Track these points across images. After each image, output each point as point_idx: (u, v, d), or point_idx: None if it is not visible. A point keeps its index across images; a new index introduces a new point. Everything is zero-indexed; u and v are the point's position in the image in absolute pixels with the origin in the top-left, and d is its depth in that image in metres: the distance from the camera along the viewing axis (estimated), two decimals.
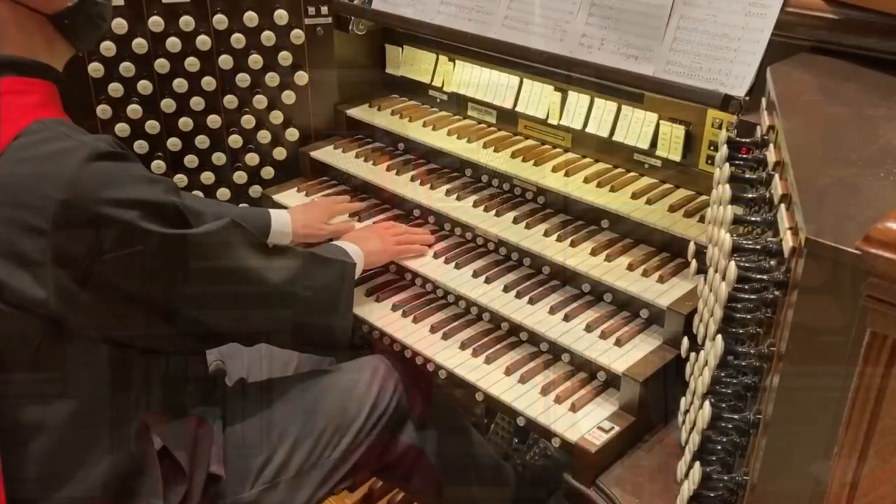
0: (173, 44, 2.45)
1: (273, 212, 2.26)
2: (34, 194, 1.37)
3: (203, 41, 2.48)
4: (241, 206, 2.63)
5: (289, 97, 2.63)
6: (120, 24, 2.40)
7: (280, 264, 1.72)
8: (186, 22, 2.45)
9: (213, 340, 1.76)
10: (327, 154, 2.67)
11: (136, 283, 1.48)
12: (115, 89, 2.46)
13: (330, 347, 1.93)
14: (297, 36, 2.57)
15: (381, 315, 2.16)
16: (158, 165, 2.57)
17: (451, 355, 2.01)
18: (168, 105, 2.53)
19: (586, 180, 2.24)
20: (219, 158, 2.63)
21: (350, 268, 1.96)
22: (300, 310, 1.77)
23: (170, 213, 1.49)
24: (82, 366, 1.51)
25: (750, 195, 1.45)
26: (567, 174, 2.28)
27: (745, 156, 1.55)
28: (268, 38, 2.54)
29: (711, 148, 2.09)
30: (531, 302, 2.06)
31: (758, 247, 1.32)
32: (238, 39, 2.51)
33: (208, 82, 2.53)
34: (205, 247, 1.55)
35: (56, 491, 1.53)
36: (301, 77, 2.62)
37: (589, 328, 1.97)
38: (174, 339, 1.61)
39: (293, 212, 2.31)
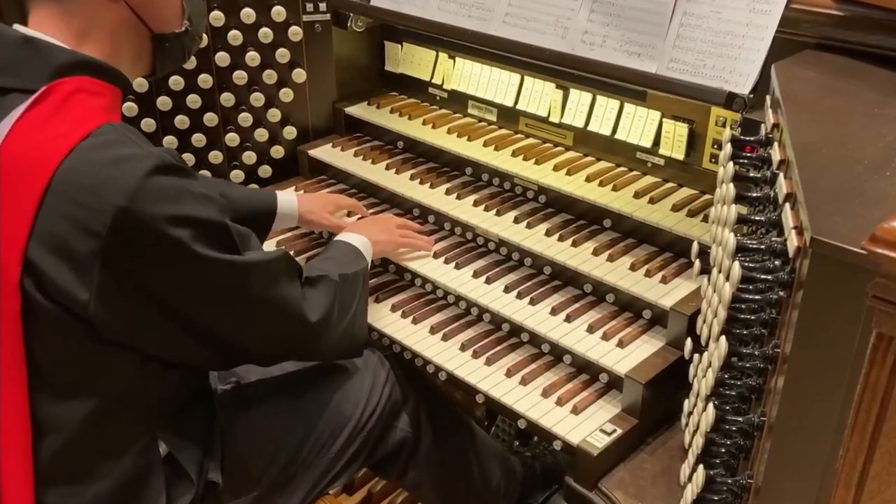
0: None
1: (280, 194, 2.28)
2: (96, 196, 1.38)
3: None
4: (250, 186, 2.64)
5: (286, 95, 2.63)
6: None
7: (318, 299, 1.73)
8: None
9: (238, 362, 1.77)
10: (325, 153, 2.67)
11: (176, 298, 1.50)
12: None
13: (348, 356, 1.93)
14: (295, 33, 2.57)
15: (381, 316, 2.16)
16: None
17: (452, 357, 2.01)
18: (164, 103, 2.53)
19: (588, 179, 2.24)
20: (215, 157, 2.63)
21: (365, 270, 1.97)
22: (330, 337, 1.79)
23: (221, 235, 1.52)
24: (106, 371, 1.52)
25: (754, 194, 1.45)
26: (569, 173, 2.28)
27: (749, 154, 1.55)
28: (265, 35, 2.54)
29: (715, 146, 2.10)
30: (532, 303, 2.06)
31: (762, 247, 1.32)
32: (235, 36, 2.51)
33: (205, 80, 2.53)
34: (249, 275, 1.57)
35: (62, 496, 1.54)
36: (299, 74, 2.62)
37: (591, 329, 1.97)
38: (201, 356, 1.63)
39: (301, 197, 2.33)
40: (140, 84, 2.48)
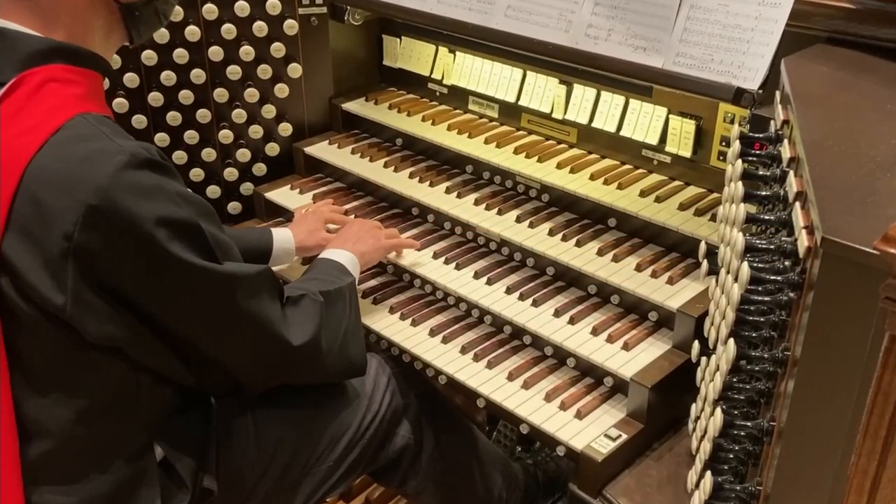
0: (161, 34, 2.44)
1: (275, 231, 2.24)
2: (66, 195, 1.37)
3: (192, 32, 2.47)
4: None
5: (282, 90, 2.63)
6: None
7: (301, 321, 1.69)
8: (175, 12, 2.44)
9: (226, 384, 1.71)
10: (322, 150, 2.67)
11: (151, 303, 1.48)
12: None
13: (348, 377, 1.90)
14: (291, 26, 2.57)
15: (379, 318, 2.16)
16: None
17: (452, 360, 2.02)
18: (155, 98, 2.53)
19: (592, 177, 2.25)
20: (209, 154, 2.63)
21: (352, 286, 1.93)
22: (321, 361, 1.75)
23: (197, 238, 1.48)
24: (96, 374, 1.51)
25: (763, 193, 1.45)
26: (572, 171, 2.28)
27: (758, 151, 1.55)
28: (260, 28, 2.54)
29: (723, 143, 2.10)
30: (535, 304, 2.06)
31: (772, 247, 1.32)
32: (229, 30, 2.51)
33: (197, 75, 2.53)
34: (226, 287, 1.54)
35: (54, 496, 1.54)
36: (294, 69, 2.62)
37: (595, 331, 1.97)
38: (185, 372, 1.61)
39: (293, 227, 2.27)
40: (131, 80, 2.48)
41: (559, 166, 2.30)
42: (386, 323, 2.14)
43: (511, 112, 2.53)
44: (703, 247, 1.75)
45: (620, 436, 1.80)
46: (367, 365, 1.90)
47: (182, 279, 1.48)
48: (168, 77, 2.51)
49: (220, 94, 2.58)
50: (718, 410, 1.39)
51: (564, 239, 2.15)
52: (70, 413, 1.51)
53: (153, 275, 1.46)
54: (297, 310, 1.70)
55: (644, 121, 2.23)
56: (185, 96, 2.55)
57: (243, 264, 1.60)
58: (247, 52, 2.55)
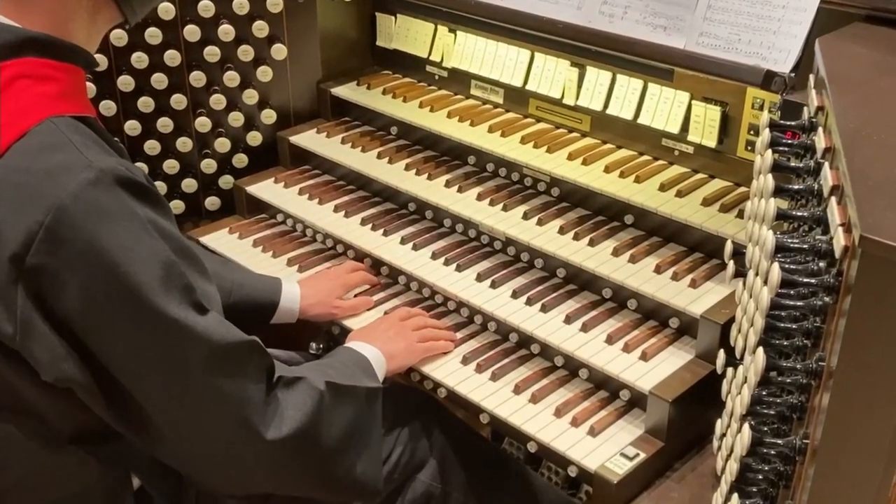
0: None
1: (285, 284, 2.13)
2: (21, 211, 1.32)
3: (166, 9, 2.47)
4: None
5: (265, 74, 2.64)
6: None
7: (288, 410, 1.54)
8: None
9: (179, 464, 1.58)
10: (309, 139, 2.67)
11: (101, 344, 1.40)
12: None
13: (348, 499, 1.77)
14: (275, 3, 2.57)
15: None
16: None
17: (452, 371, 2.02)
18: (125, 82, 2.53)
19: (607, 169, 2.25)
20: (184, 144, 2.63)
21: (377, 394, 1.74)
22: (311, 466, 1.61)
23: (171, 277, 1.39)
24: (50, 410, 1.47)
25: (796, 186, 1.46)
26: (585, 162, 2.29)
27: (790, 141, 1.55)
28: (240, 5, 2.54)
29: (751, 132, 2.10)
30: (544, 309, 2.06)
31: (805, 246, 1.32)
32: (206, 7, 2.51)
33: (172, 56, 2.53)
34: (197, 347, 1.43)
35: None
36: (279, 51, 2.63)
37: (610, 340, 1.97)
38: (135, 437, 1.52)
39: (304, 286, 2.16)
40: (98, 61, 2.48)
41: (570, 157, 2.31)
42: None
43: (517, 98, 2.53)
44: (729, 246, 1.75)
45: (638, 455, 1.80)
46: (379, 492, 1.73)
47: (141, 323, 1.39)
48: (139, 59, 2.51)
49: (197, 78, 2.58)
50: (746, 427, 1.39)
51: (576, 237, 2.15)
52: (31, 442, 1.49)
53: (108, 312, 1.37)
54: (287, 394, 1.56)
55: (664, 107, 2.23)
56: (159, 80, 2.55)
57: (229, 327, 1.48)
58: (226, 31, 2.55)
